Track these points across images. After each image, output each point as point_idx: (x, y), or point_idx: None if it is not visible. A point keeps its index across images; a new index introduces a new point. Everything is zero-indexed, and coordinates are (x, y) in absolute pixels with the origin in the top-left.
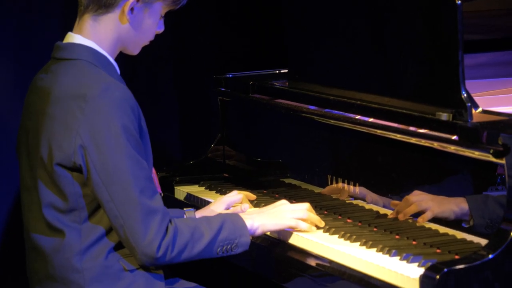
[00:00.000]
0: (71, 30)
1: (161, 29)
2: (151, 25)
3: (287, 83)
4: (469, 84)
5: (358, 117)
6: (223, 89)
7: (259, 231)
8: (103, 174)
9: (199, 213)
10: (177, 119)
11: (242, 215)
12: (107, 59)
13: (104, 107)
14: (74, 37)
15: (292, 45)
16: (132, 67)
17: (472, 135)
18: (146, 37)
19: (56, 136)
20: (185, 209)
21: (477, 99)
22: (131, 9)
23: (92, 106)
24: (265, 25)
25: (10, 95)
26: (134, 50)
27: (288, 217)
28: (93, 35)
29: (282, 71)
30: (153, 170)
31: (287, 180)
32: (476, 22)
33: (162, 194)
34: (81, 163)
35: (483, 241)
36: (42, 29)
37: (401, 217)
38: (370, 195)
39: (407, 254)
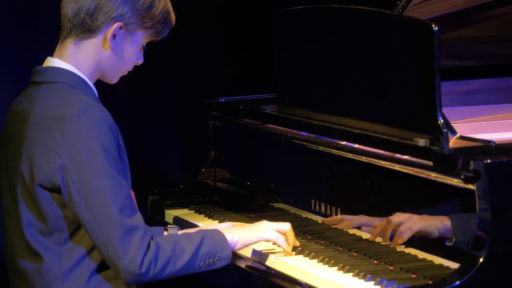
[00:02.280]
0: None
1: (140, 60)
2: (132, 54)
3: (276, 108)
4: (460, 110)
5: (343, 143)
6: (215, 113)
7: (239, 245)
8: (84, 194)
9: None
10: (169, 143)
11: (221, 230)
12: (86, 82)
13: (83, 127)
14: (53, 61)
15: (280, 71)
16: (120, 93)
17: (446, 161)
18: (125, 66)
19: (36, 157)
20: (168, 226)
21: (464, 125)
22: (114, 36)
23: (71, 126)
24: (257, 50)
25: None
26: (113, 79)
27: (268, 230)
28: (73, 60)
29: (273, 95)
30: (132, 192)
31: (276, 205)
32: (469, 48)
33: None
34: (60, 184)
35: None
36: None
37: (383, 238)
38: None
39: (381, 279)
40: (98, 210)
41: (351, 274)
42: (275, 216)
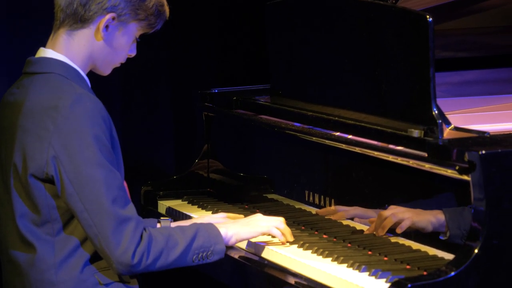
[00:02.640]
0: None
1: (133, 53)
2: (124, 46)
3: (269, 99)
4: (454, 101)
5: (337, 133)
6: (208, 104)
7: (233, 240)
8: (76, 184)
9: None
10: (162, 133)
11: (216, 224)
12: (79, 73)
13: (76, 117)
14: (46, 52)
15: (275, 61)
16: (113, 84)
17: (441, 152)
18: (118, 58)
19: (29, 148)
20: (161, 218)
21: (458, 116)
22: (106, 27)
23: (64, 116)
24: (250, 40)
25: None
26: (105, 70)
27: (261, 225)
28: (65, 50)
29: (266, 86)
30: (124, 183)
31: (270, 195)
32: (463, 39)
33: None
34: (53, 174)
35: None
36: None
37: (380, 231)
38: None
39: (376, 269)
40: (91, 201)
41: (345, 265)
42: (268, 207)
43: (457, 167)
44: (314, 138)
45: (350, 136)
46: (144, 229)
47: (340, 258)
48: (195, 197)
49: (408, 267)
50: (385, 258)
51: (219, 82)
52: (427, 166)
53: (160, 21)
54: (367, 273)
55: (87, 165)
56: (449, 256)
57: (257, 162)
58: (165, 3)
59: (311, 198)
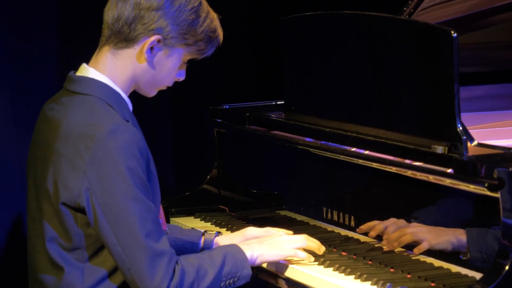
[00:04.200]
0: (67, 59)
1: (181, 77)
2: (170, 69)
3: (283, 115)
4: (464, 116)
5: (353, 149)
6: (219, 120)
7: (258, 261)
8: (110, 217)
9: (220, 238)
10: (173, 150)
11: (241, 245)
12: (120, 96)
13: (111, 148)
14: (88, 71)
15: (288, 77)
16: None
17: (467, 168)
18: (163, 81)
19: (62, 174)
20: (205, 231)
21: (472, 132)
22: (151, 48)
23: (100, 147)
24: (263, 56)
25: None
26: (150, 92)
27: (287, 248)
28: (108, 70)
29: (278, 102)
30: (160, 207)
31: (282, 212)
32: (473, 54)
33: (167, 232)
34: (85, 205)
35: (478, 275)
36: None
37: (394, 245)
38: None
39: (401, 287)
40: (124, 234)
41: (369, 282)
42: (283, 224)
43: (486, 184)
44: (334, 155)
45: (367, 152)
46: (177, 262)
47: (364, 275)
48: (208, 214)
49: (433, 284)
50: (409, 276)
51: (221, 98)
52: (454, 183)
53: (212, 47)
54: None
55: (122, 198)
56: (472, 274)
57: (271, 178)
58: (219, 28)
59: (329, 215)
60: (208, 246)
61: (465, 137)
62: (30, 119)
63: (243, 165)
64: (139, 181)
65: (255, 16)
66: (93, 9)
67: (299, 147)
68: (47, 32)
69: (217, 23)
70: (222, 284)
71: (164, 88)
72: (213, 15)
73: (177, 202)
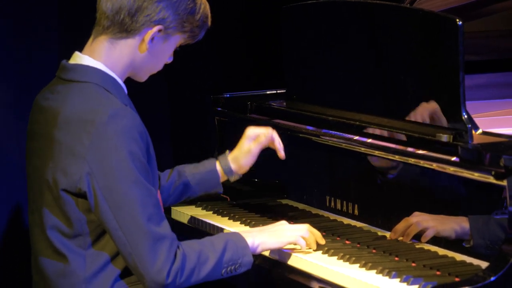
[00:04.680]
0: (68, 48)
1: (170, 60)
2: (166, 56)
3: (285, 104)
4: (467, 105)
5: (357, 137)
6: (220, 109)
7: (259, 249)
8: (111, 202)
9: (232, 155)
10: (174, 139)
11: (243, 233)
12: (116, 81)
13: (112, 133)
14: (82, 58)
15: (290, 66)
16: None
17: (473, 156)
18: (157, 67)
19: (62, 161)
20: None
21: (475, 120)
22: (152, 38)
23: (100, 132)
24: (263, 45)
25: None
26: (143, 77)
27: (288, 235)
28: (105, 58)
29: (279, 91)
30: (158, 193)
31: (284, 201)
32: (473, 42)
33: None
34: (86, 190)
35: (483, 263)
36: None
37: (403, 238)
38: None
39: (407, 276)
40: (126, 219)
41: (374, 271)
42: (284, 213)
43: (493, 172)
44: (337, 143)
45: (370, 140)
46: (178, 246)
47: (368, 264)
48: (209, 203)
49: (438, 273)
50: (413, 264)
51: (229, 85)
52: (456, 170)
53: (203, 31)
54: (398, 279)
55: (123, 183)
56: (477, 262)
57: (272, 168)
58: (209, 14)
59: (332, 204)
60: (227, 166)
61: (470, 126)
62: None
63: None
64: (140, 165)
65: (253, 5)
66: (93, 9)
67: (303, 135)
68: (47, 30)
69: (208, 7)
70: (223, 271)
71: (155, 72)
72: (205, 0)
73: None
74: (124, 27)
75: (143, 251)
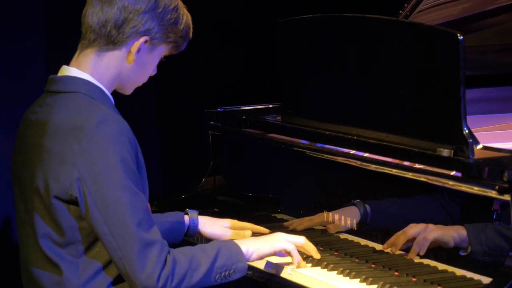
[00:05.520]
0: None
1: (154, 72)
2: (151, 67)
3: (279, 118)
4: None
5: (353, 152)
6: (214, 123)
7: (254, 256)
8: (101, 207)
9: (203, 218)
10: (167, 153)
11: (236, 241)
12: (103, 92)
13: (101, 139)
14: (69, 70)
15: (286, 79)
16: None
17: (475, 171)
18: (143, 78)
19: (52, 168)
20: (187, 210)
21: None
22: (138, 50)
23: (90, 138)
24: (258, 59)
25: None
26: (129, 90)
27: (283, 241)
28: (91, 70)
29: (270, 105)
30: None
31: (278, 216)
32: (465, 57)
33: None
34: (77, 196)
35: (484, 278)
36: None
37: (393, 249)
38: None
39: None
40: (116, 224)
41: (375, 286)
42: (280, 228)
43: (496, 187)
44: (334, 158)
45: (367, 155)
46: (168, 252)
47: (369, 278)
48: None
49: (440, 287)
50: (414, 279)
51: (223, 99)
52: (459, 186)
53: (186, 42)
54: None
55: (113, 188)
56: (478, 277)
57: (266, 182)
58: (191, 25)
59: (330, 218)
60: (194, 223)
61: (471, 140)
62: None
63: (238, 168)
64: (130, 171)
65: (248, 19)
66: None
67: (300, 150)
68: (34, 34)
69: (190, 18)
70: (216, 276)
71: (140, 85)
72: (187, 12)
73: (172, 205)
74: (110, 39)
75: (133, 256)
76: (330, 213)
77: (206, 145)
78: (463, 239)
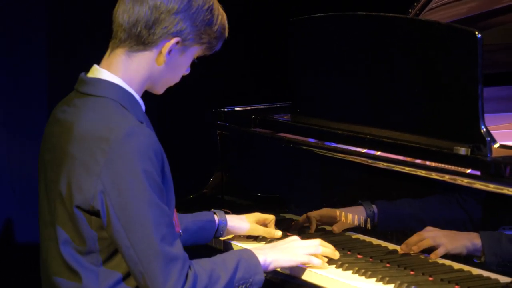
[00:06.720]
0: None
1: (187, 72)
2: (183, 68)
3: (286, 117)
4: None
5: (365, 150)
6: (222, 122)
7: (271, 267)
8: (124, 221)
9: (229, 216)
10: (175, 153)
11: (255, 250)
12: (134, 98)
13: (127, 152)
14: (100, 72)
15: (295, 79)
16: None
17: (495, 169)
18: (175, 79)
19: (76, 177)
20: (212, 210)
21: None
22: (169, 51)
23: (115, 150)
24: (267, 58)
25: None
26: (161, 90)
27: (300, 253)
28: (122, 72)
29: (278, 105)
30: (175, 212)
31: (287, 215)
32: None
33: (181, 234)
34: (99, 208)
35: (501, 277)
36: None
37: (414, 249)
38: None
39: None
40: (138, 239)
41: (392, 285)
42: (294, 227)
43: None
44: (349, 157)
45: (379, 153)
46: (189, 267)
47: (386, 278)
48: None
49: (457, 287)
50: (430, 278)
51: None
52: (479, 184)
53: (221, 42)
54: None
55: (137, 203)
56: (494, 276)
57: (274, 181)
58: (227, 24)
59: (343, 218)
60: (224, 222)
61: (489, 139)
62: (16, 122)
63: (247, 168)
64: (154, 185)
65: (257, 17)
66: (83, 11)
67: (312, 149)
68: (34, 34)
69: (225, 18)
70: None
71: (172, 85)
72: (222, 11)
73: (180, 205)
74: (141, 39)
75: (155, 271)
76: (337, 211)
77: (213, 145)
78: (477, 249)
